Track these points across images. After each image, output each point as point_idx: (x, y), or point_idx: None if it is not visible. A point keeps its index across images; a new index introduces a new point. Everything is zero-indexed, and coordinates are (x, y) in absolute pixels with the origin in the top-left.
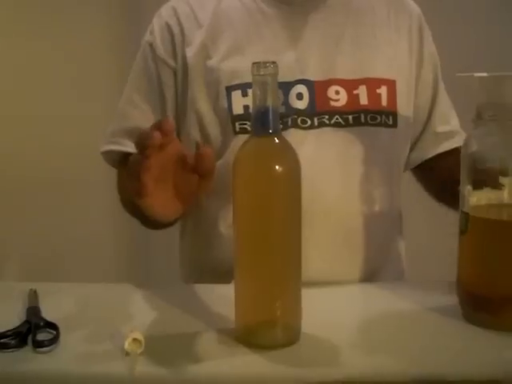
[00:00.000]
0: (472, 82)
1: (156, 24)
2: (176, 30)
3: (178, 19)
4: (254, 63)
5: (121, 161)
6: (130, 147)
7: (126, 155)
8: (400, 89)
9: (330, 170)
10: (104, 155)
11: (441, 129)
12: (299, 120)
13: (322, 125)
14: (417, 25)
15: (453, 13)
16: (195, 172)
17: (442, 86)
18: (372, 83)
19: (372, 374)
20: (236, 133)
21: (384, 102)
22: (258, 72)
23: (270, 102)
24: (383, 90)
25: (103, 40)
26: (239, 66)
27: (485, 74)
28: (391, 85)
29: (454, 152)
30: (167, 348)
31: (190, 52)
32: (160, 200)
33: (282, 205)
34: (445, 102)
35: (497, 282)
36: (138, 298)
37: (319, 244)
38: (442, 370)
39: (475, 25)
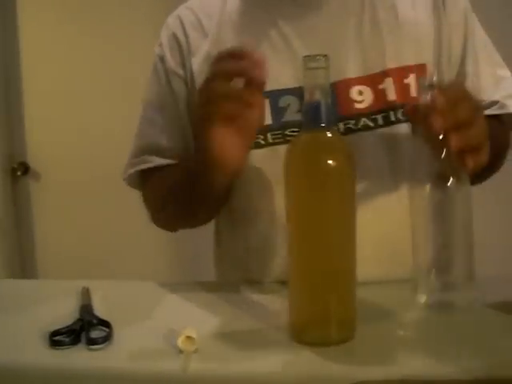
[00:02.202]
0: None
1: (164, 35)
2: (182, 39)
3: (184, 29)
4: (304, 56)
5: (144, 179)
6: (151, 162)
7: (148, 172)
8: (432, 71)
9: (363, 178)
10: (127, 180)
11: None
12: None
13: (348, 131)
14: None
15: None
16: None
17: (473, 59)
18: (398, 73)
19: (428, 373)
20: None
21: (414, 93)
22: (309, 65)
23: (321, 96)
24: (412, 79)
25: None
26: None
27: None
28: (421, 70)
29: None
30: (220, 346)
31: (196, 62)
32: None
33: (337, 199)
34: (479, 77)
35: None
36: (190, 295)
37: (374, 244)
38: (501, 369)
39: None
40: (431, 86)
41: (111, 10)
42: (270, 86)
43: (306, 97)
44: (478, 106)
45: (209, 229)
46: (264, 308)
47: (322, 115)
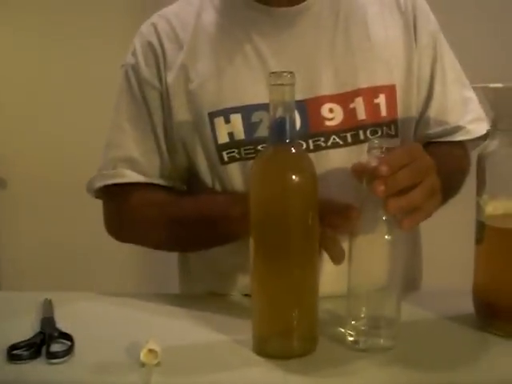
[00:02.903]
0: (487, 92)
1: (138, 44)
2: (158, 50)
3: (160, 39)
4: (271, 73)
5: (116, 191)
6: (129, 177)
7: (122, 186)
8: (401, 92)
9: (331, 195)
10: (94, 192)
11: (434, 130)
12: None
13: (318, 148)
14: (411, 12)
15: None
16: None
17: (441, 80)
18: (369, 93)
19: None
20: (224, 163)
21: (383, 112)
22: (275, 82)
23: (286, 112)
24: (381, 99)
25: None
26: (220, 90)
27: (500, 85)
28: (390, 91)
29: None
30: (183, 359)
31: (171, 76)
32: None
33: (298, 214)
34: (445, 98)
35: (511, 290)
36: (153, 308)
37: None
38: (457, 378)
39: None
40: (380, 149)
41: (81, 15)
42: (243, 101)
43: (272, 112)
44: (427, 166)
45: None
46: (228, 321)
47: (286, 131)
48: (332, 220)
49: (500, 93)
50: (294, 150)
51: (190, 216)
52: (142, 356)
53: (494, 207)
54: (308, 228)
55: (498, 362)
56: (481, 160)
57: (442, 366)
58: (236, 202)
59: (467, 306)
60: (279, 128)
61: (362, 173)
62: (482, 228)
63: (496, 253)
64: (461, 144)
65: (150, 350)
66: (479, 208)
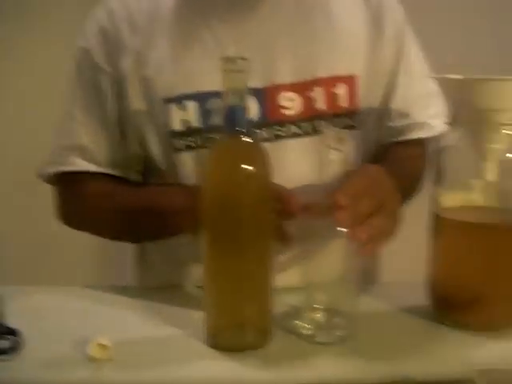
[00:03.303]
0: (447, 84)
1: (90, 27)
2: (112, 34)
3: (114, 22)
4: (223, 58)
5: (68, 179)
6: (80, 166)
7: (74, 173)
8: (362, 83)
9: (288, 185)
10: (44, 177)
11: (396, 123)
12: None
13: (276, 137)
14: (377, 3)
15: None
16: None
17: (405, 71)
18: (328, 83)
19: (342, 376)
20: (178, 151)
21: (343, 103)
22: (227, 67)
23: (239, 100)
24: (341, 89)
25: None
26: (176, 76)
27: (459, 77)
28: (351, 81)
29: (411, 143)
30: (134, 353)
31: (126, 62)
32: None
33: (250, 204)
34: (408, 90)
35: (465, 283)
36: (109, 300)
37: (286, 257)
38: (412, 370)
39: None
40: (335, 139)
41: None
42: (199, 88)
43: (224, 100)
44: (387, 190)
45: None
46: (182, 313)
47: (238, 119)
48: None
49: (459, 84)
50: (247, 139)
51: (138, 206)
52: (92, 350)
53: (449, 199)
54: (261, 219)
55: (451, 353)
56: (438, 152)
57: (397, 358)
58: (183, 194)
59: (423, 297)
60: (231, 116)
61: (305, 211)
62: (436, 220)
63: (450, 245)
64: (421, 140)
65: (100, 345)
66: (434, 200)
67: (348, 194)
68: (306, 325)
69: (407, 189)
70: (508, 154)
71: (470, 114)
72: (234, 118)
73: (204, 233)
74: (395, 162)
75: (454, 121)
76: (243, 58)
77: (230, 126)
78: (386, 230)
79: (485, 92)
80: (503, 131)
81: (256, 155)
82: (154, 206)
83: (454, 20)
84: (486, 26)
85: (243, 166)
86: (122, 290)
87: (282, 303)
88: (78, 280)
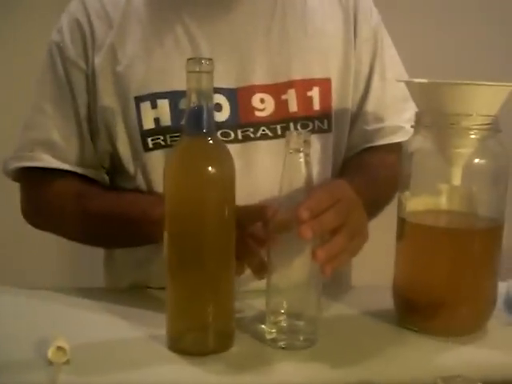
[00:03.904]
0: (412, 87)
1: (64, 20)
2: (87, 29)
3: (89, 17)
4: (188, 59)
5: (34, 176)
6: (48, 163)
7: (41, 169)
8: (336, 86)
9: (258, 188)
10: (9, 173)
11: (371, 126)
12: (220, 134)
13: (247, 138)
14: (352, 5)
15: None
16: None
17: (380, 74)
18: (302, 85)
19: (305, 381)
20: (148, 149)
21: (316, 106)
22: (192, 68)
23: (204, 100)
24: (315, 92)
25: None
26: (148, 73)
27: (424, 81)
28: (325, 84)
29: (382, 148)
30: (94, 356)
31: (99, 56)
32: None
33: (212, 206)
34: (384, 93)
35: (428, 287)
36: (68, 303)
37: None
38: (376, 375)
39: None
40: (299, 141)
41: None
42: (171, 86)
43: (188, 101)
44: (351, 205)
45: None
46: (145, 315)
47: (202, 120)
48: (250, 226)
49: (424, 88)
50: (211, 141)
51: (108, 212)
52: (50, 354)
53: (414, 203)
54: (224, 221)
55: (413, 358)
56: (404, 156)
57: (361, 363)
58: (158, 204)
59: (390, 302)
60: (195, 117)
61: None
62: (402, 224)
63: (415, 249)
64: (396, 145)
65: (59, 348)
66: (401, 204)
67: (310, 208)
68: (270, 329)
69: (381, 197)
70: (475, 159)
71: (435, 118)
72: (196, 119)
73: (166, 234)
74: (369, 170)
75: (418, 124)
76: (209, 59)
77: (192, 126)
78: (349, 248)
79: (451, 97)
80: (470, 136)
81: (220, 156)
82: (127, 214)
83: (430, 22)
84: (463, 28)
85: (207, 167)
86: (88, 292)
87: (250, 307)
88: (48, 281)
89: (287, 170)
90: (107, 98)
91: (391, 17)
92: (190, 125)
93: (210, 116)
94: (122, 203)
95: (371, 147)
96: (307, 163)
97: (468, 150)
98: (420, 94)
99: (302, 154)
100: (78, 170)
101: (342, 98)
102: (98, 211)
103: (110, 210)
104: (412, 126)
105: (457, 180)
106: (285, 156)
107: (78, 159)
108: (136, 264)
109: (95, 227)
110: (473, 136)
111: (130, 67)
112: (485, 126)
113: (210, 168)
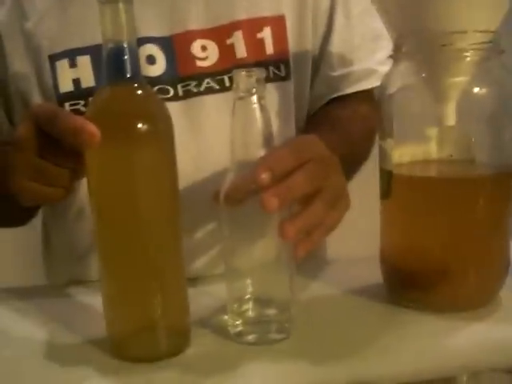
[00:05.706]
0: (388, 4)
1: None
2: None
3: None
4: None
5: None
6: None
7: None
8: (292, 25)
9: (207, 150)
10: None
11: (338, 72)
12: (156, 90)
13: (189, 94)
14: None
15: None
16: None
17: (344, 8)
18: (250, 26)
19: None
20: None
21: (269, 49)
22: None
23: (124, 36)
24: (266, 33)
25: None
26: (63, 27)
27: None
28: (277, 23)
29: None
30: (20, 369)
31: (2, 12)
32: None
33: (149, 173)
34: (350, 32)
35: (428, 252)
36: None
37: (205, 236)
38: (369, 369)
39: None
40: (249, 82)
41: None
42: (93, 40)
43: (105, 39)
44: (327, 164)
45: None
46: (83, 316)
47: (125, 62)
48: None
49: (404, 2)
50: (138, 90)
51: None
52: None
53: (400, 153)
54: (164, 191)
55: (414, 343)
56: (382, 94)
57: (349, 356)
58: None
59: (377, 275)
60: (114, 60)
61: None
62: (388, 178)
63: (406, 208)
64: (368, 93)
65: None
66: (384, 155)
67: (271, 167)
68: (234, 321)
69: (357, 155)
70: (473, 88)
71: (420, 40)
72: (116, 62)
73: (93, 214)
74: (340, 124)
75: (398, 52)
76: None
77: (112, 72)
78: (327, 221)
79: (439, 10)
80: (466, 59)
81: (152, 108)
82: None
83: None
84: None
85: (132, 122)
86: (12, 290)
87: (207, 295)
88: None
89: (238, 120)
90: (18, 62)
91: None
92: (110, 71)
93: (134, 57)
94: None
95: (340, 97)
96: (263, 109)
97: (463, 78)
98: (399, 11)
99: (254, 98)
100: None
101: (300, 39)
102: None
103: None
104: (391, 56)
105: (451, 119)
106: (233, 103)
107: None
108: (72, 257)
109: None
110: (469, 59)
111: (40, 22)
112: (484, 46)
113: (139, 124)
